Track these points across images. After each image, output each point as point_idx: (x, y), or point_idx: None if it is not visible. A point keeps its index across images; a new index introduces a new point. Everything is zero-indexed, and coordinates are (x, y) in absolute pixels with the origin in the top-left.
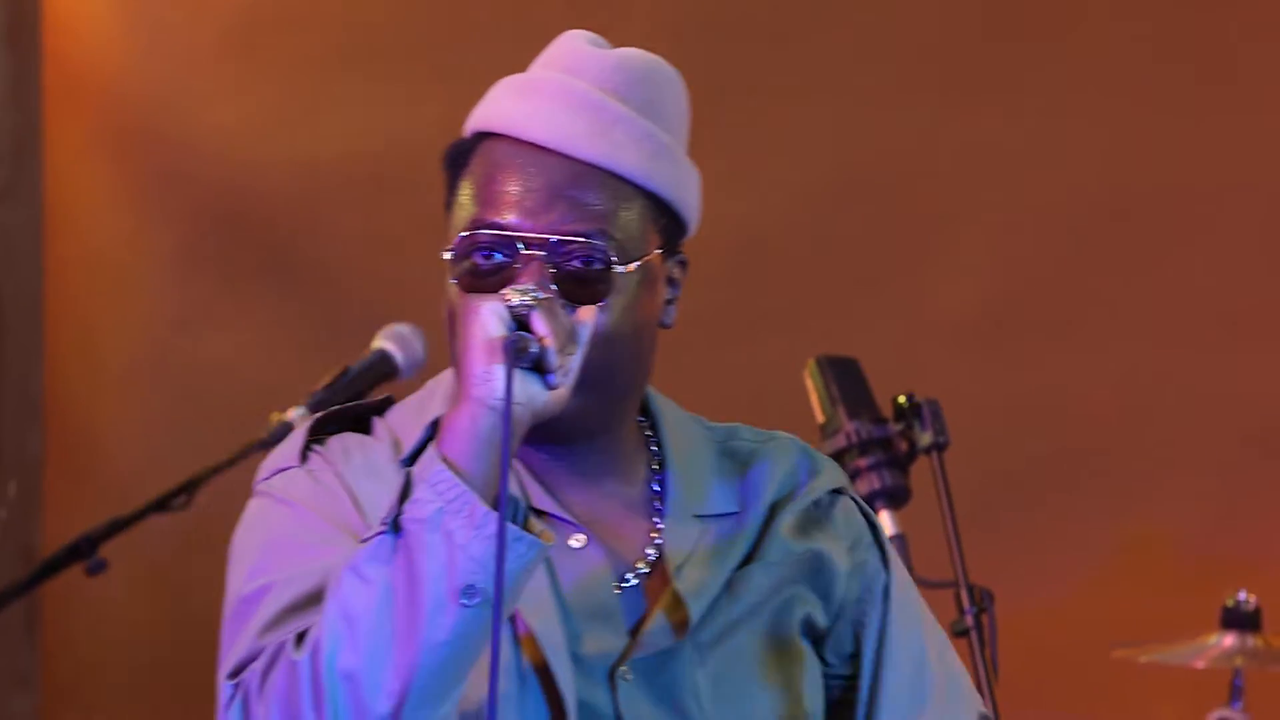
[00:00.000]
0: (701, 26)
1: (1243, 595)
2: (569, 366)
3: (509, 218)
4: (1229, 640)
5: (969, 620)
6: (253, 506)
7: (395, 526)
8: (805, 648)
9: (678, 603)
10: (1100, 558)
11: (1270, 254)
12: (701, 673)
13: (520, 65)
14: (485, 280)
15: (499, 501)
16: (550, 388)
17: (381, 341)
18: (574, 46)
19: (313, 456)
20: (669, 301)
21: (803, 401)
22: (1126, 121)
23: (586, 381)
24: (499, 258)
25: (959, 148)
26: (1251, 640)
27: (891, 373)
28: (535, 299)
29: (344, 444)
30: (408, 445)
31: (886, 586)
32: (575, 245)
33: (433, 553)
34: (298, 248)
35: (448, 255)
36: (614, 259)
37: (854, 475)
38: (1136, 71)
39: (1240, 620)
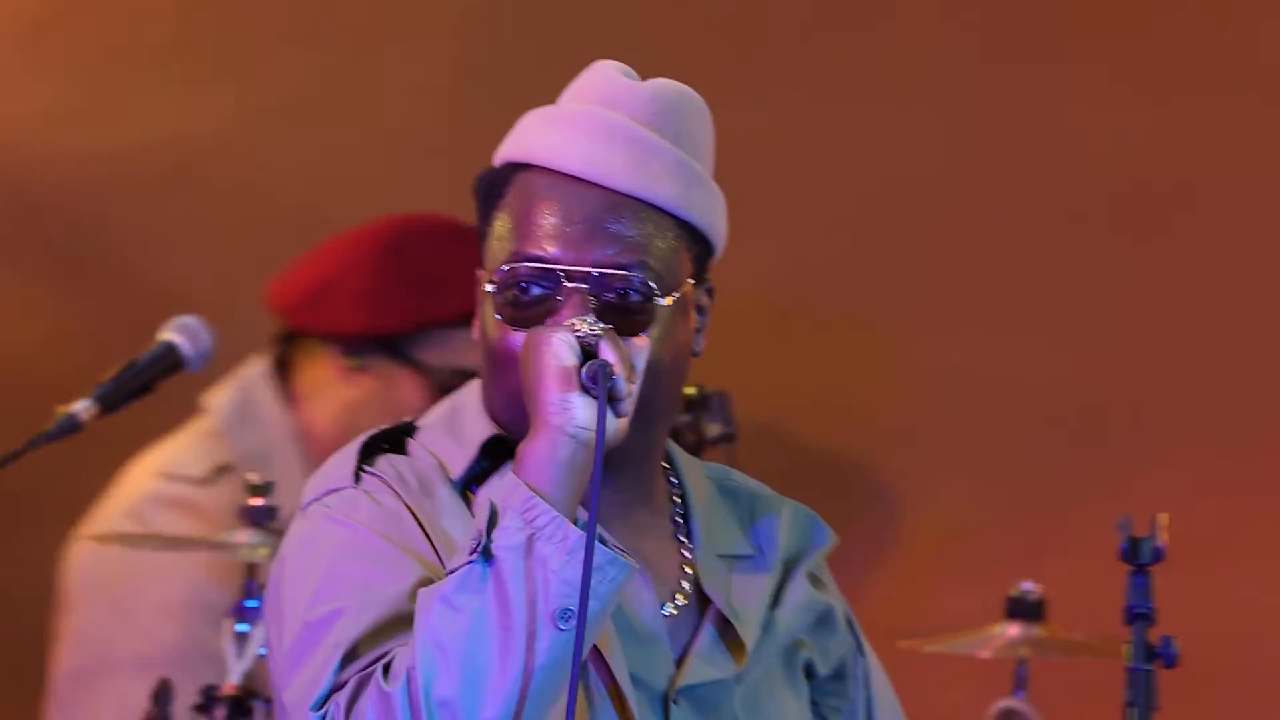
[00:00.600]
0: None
1: (1027, 586)
2: (632, 394)
3: (550, 250)
4: (1013, 630)
5: None
6: (308, 526)
7: (486, 554)
8: (805, 688)
9: (730, 633)
10: (886, 549)
11: (1062, 241)
12: (739, 703)
13: (309, 59)
14: (527, 312)
15: (588, 527)
16: (619, 415)
17: (168, 334)
18: (608, 78)
19: (366, 478)
20: (697, 330)
21: None
22: (922, 110)
23: (633, 412)
24: (539, 290)
25: (753, 136)
26: (1036, 630)
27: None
28: (601, 329)
29: (394, 466)
30: (452, 466)
31: (867, 667)
32: (617, 278)
33: (526, 579)
34: (87, 241)
35: (490, 288)
36: (655, 290)
37: None
38: (936, 60)
39: (1025, 610)
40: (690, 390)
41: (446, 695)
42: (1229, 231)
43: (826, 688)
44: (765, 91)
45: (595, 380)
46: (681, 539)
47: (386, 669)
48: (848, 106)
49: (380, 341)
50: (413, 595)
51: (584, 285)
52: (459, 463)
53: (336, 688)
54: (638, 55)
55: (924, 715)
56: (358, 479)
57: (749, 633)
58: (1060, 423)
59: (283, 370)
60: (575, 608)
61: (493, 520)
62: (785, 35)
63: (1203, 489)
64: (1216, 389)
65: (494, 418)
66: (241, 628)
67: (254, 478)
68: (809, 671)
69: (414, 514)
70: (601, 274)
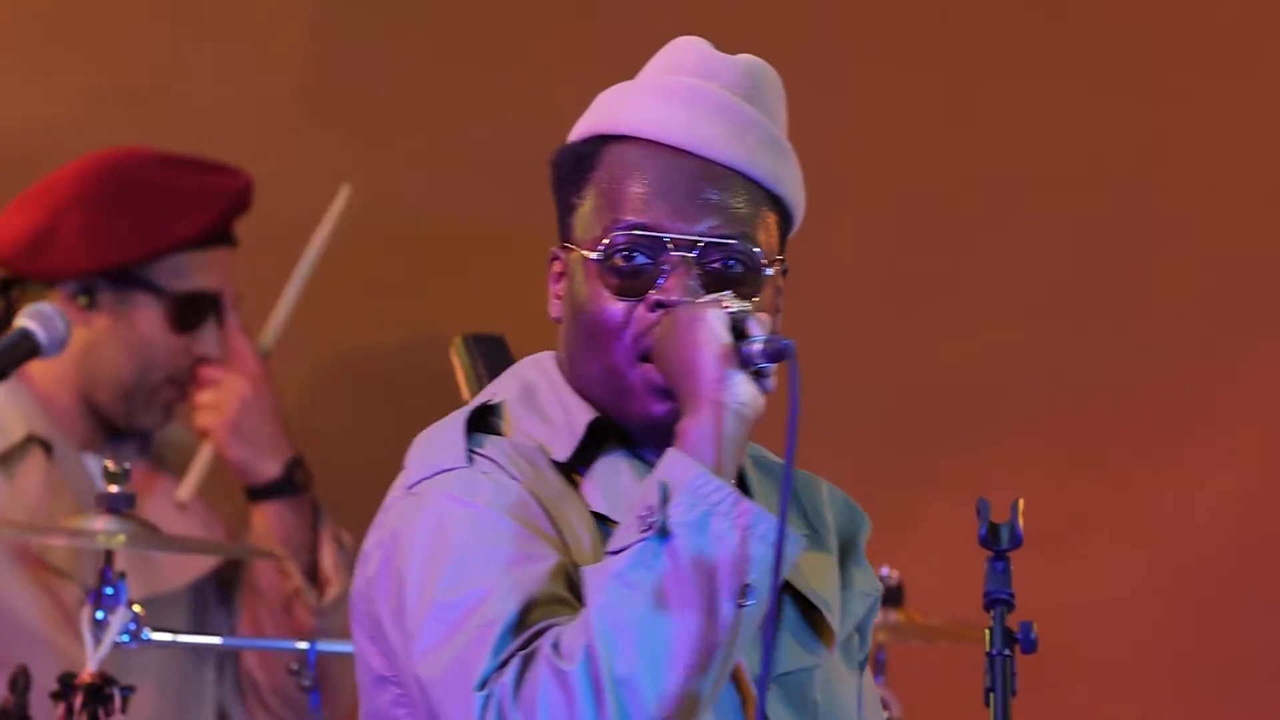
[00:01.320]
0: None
1: (885, 572)
2: (769, 373)
3: (654, 219)
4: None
5: None
6: (426, 505)
7: (662, 532)
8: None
9: (814, 616)
10: None
11: (916, 232)
12: (819, 689)
13: (159, 42)
14: (630, 281)
15: (780, 504)
16: (765, 391)
17: (24, 320)
18: (701, 51)
19: (479, 459)
20: (777, 309)
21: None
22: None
23: None
24: (642, 259)
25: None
26: (894, 616)
27: (538, 348)
28: (747, 307)
29: (499, 446)
30: (553, 448)
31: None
32: (723, 247)
33: (705, 555)
34: None
35: (594, 256)
36: (761, 262)
37: None
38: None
39: (884, 596)
40: None
41: (627, 672)
42: (1079, 220)
43: None
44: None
45: (774, 358)
46: None
47: (556, 648)
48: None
49: (111, 274)
50: (555, 576)
51: (690, 254)
52: (561, 444)
53: (498, 667)
54: (492, 39)
55: None
56: (470, 459)
57: (836, 617)
58: (917, 412)
59: (8, 322)
60: (753, 583)
61: (665, 498)
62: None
63: (1056, 477)
64: (1069, 378)
65: (586, 392)
66: (99, 615)
67: (111, 464)
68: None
69: (533, 493)
70: (709, 243)
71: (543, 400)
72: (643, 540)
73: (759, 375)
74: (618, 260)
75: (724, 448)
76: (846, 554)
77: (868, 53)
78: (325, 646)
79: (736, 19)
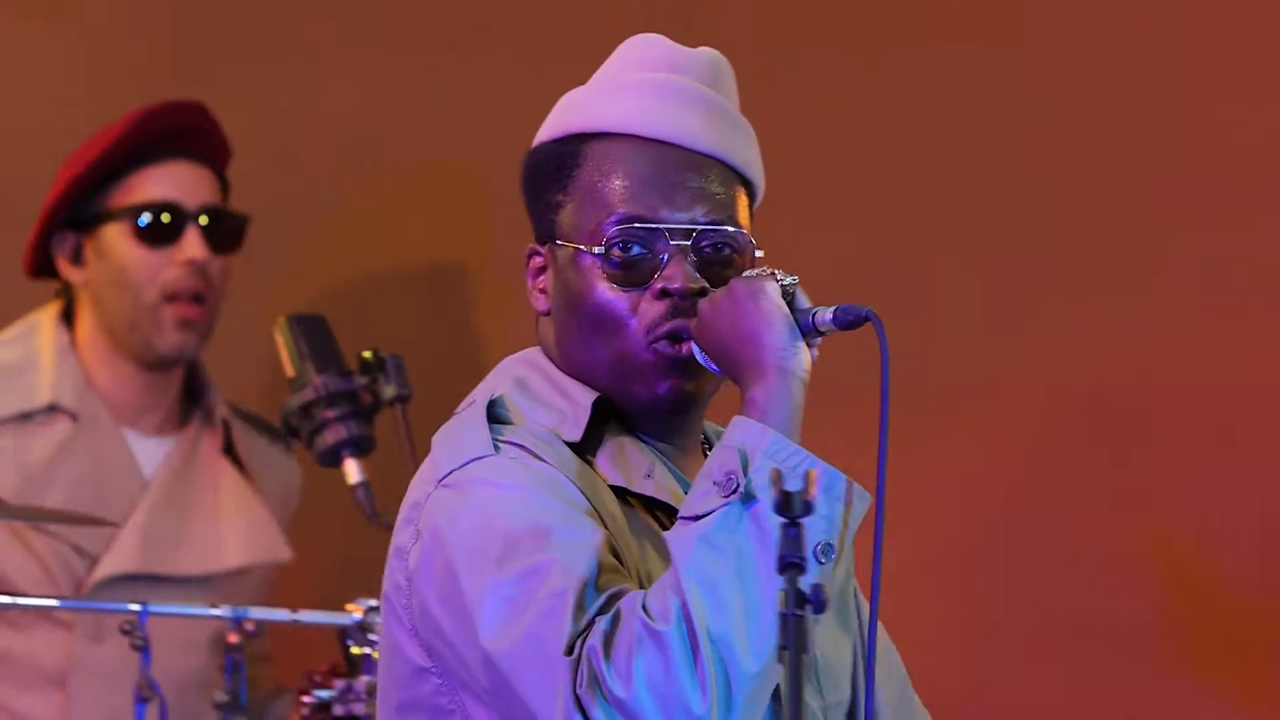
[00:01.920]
0: None
1: None
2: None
3: (652, 211)
4: None
5: None
6: (463, 495)
7: (748, 496)
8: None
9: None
10: None
11: None
12: (816, 637)
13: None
14: (633, 273)
15: (878, 464)
16: (813, 359)
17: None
18: (666, 46)
19: (505, 446)
20: None
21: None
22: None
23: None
24: (637, 250)
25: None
26: None
27: (358, 329)
28: (794, 280)
29: (520, 433)
30: (563, 430)
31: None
32: (715, 234)
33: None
34: None
35: (598, 250)
36: (752, 243)
37: (322, 426)
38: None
39: None
40: (366, 354)
41: (723, 630)
42: (856, 195)
43: None
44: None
45: (850, 326)
46: None
47: (645, 609)
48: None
49: (77, 222)
50: (605, 547)
51: (685, 242)
52: (570, 426)
53: (580, 632)
54: (321, 33)
55: None
56: (496, 448)
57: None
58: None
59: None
60: (834, 541)
61: (745, 464)
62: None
63: (851, 447)
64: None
65: (588, 378)
66: None
67: None
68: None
69: (566, 475)
70: (702, 230)
71: (538, 391)
72: (726, 504)
73: (808, 345)
74: (616, 253)
75: (792, 414)
76: None
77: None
78: (156, 609)
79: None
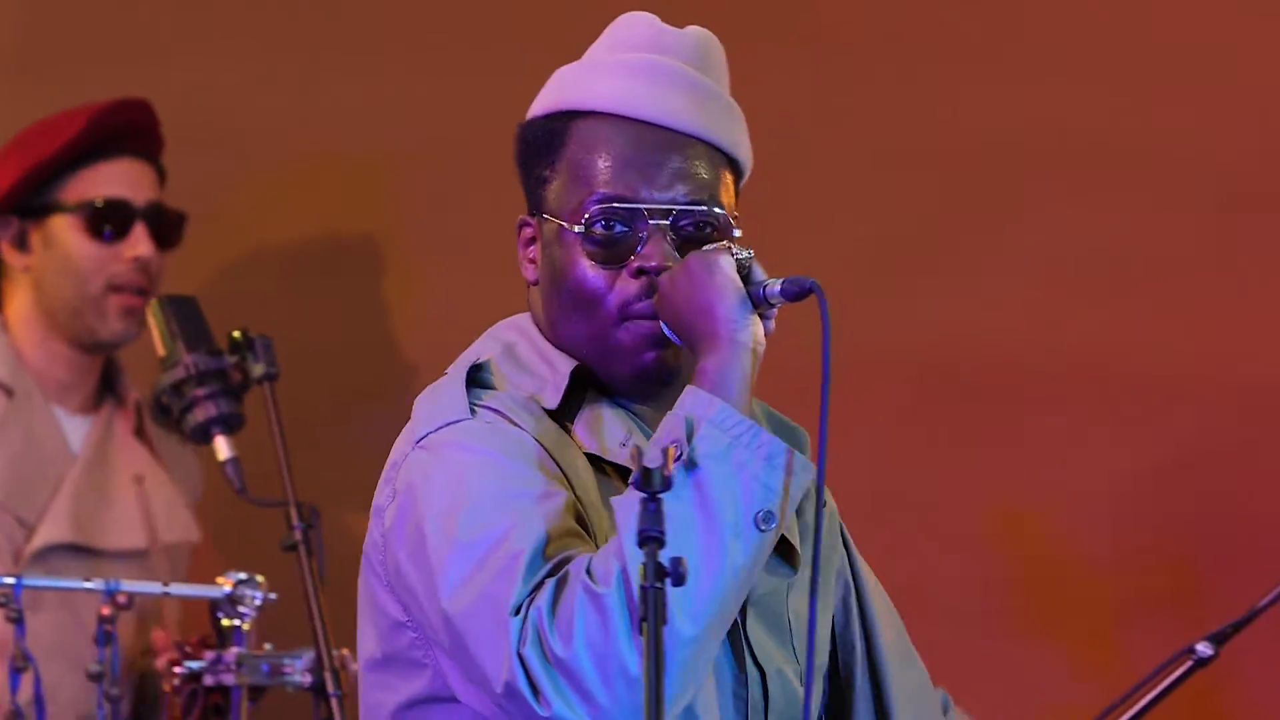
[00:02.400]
0: None
1: None
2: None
3: (630, 190)
4: None
5: (298, 535)
6: (437, 457)
7: (690, 463)
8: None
9: (785, 544)
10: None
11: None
12: (791, 609)
13: None
14: (612, 250)
15: (819, 433)
16: (768, 332)
17: None
18: (654, 27)
19: (481, 410)
20: None
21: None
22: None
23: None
24: (619, 229)
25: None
26: None
27: (227, 309)
28: (750, 254)
29: (499, 398)
30: (544, 397)
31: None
32: (694, 213)
33: (727, 484)
34: None
35: (578, 229)
36: (730, 223)
37: (192, 404)
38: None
39: None
40: (235, 333)
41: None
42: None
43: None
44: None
45: (797, 298)
46: None
47: (589, 572)
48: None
49: (27, 210)
50: (566, 511)
51: (664, 221)
52: (549, 393)
53: (529, 594)
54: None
55: None
56: (473, 412)
57: (794, 535)
58: None
59: None
60: (774, 509)
61: (690, 431)
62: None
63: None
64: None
65: (570, 349)
66: None
67: None
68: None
69: (536, 440)
70: (681, 209)
71: (524, 357)
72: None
73: (763, 317)
74: (597, 231)
75: (742, 384)
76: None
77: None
78: (30, 582)
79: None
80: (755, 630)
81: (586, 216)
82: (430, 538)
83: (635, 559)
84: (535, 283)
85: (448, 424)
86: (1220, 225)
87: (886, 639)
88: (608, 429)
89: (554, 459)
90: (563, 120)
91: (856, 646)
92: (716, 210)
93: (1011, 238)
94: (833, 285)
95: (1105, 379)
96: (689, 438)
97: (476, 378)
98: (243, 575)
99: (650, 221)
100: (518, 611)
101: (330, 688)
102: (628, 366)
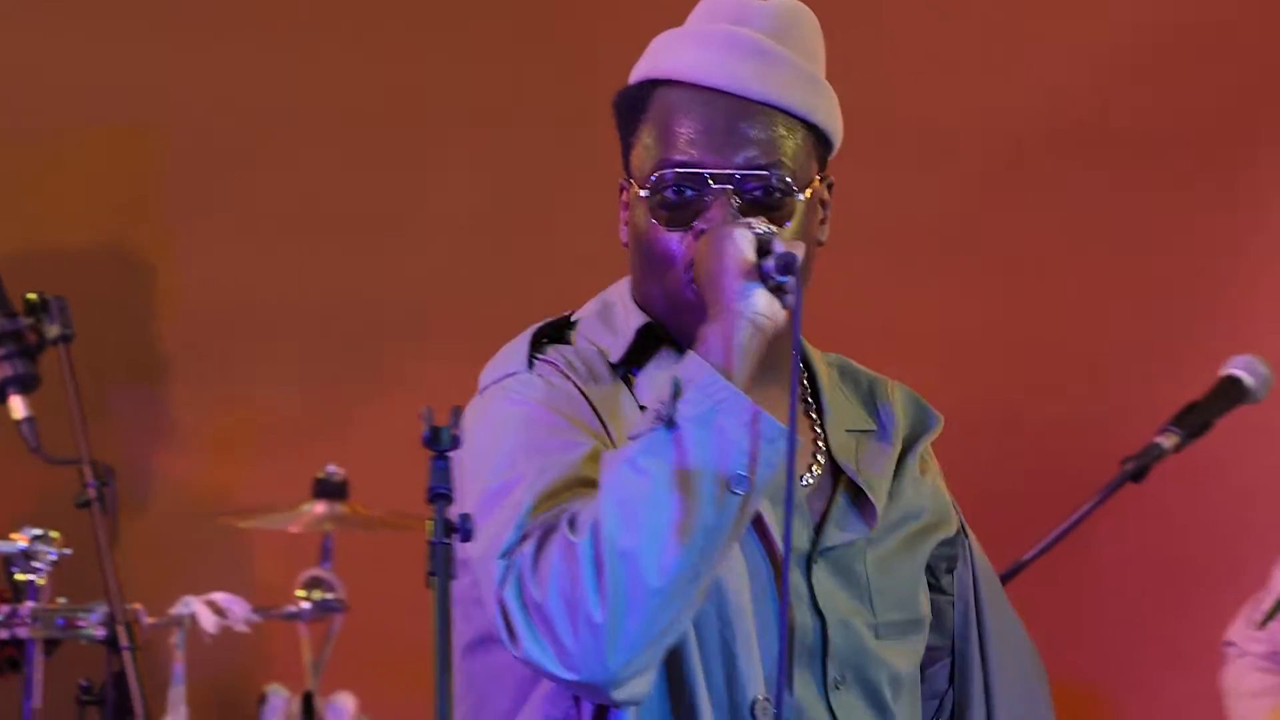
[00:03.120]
0: None
1: (332, 468)
2: (792, 289)
3: (696, 155)
4: (320, 508)
5: (91, 492)
6: (488, 405)
7: (670, 423)
8: (925, 558)
9: (862, 500)
10: (209, 434)
11: (355, 169)
12: (870, 565)
13: None
14: (678, 213)
15: (790, 402)
16: (785, 306)
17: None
18: (736, 0)
19: (539, 364)
20: (822, 221)
21: None
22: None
23: None
24: (689, 193)
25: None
26: (339, 508)
27: (23, 272)
28: (773, 231)
29: (562, 353)
30: (611, 352)
31: (971, 551)
32: (757, 177)
33: (705, 447)
34: None
35: (643, 193)
36: (793, 187)
37: None
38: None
39: (330, 490)
40: (31, 295)
41: (628, 547)
42: (494, 152)
43: (943, 565)
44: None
45: (783, 270)
46: (813, 416)
47: (571, 523)
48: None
49: None
50: (586, 462)
51: (728, 186)
52: (617, 348)
53: (521, 539)
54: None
55: (242, 585)
56: (530, 364)
57: (880, 498)
58: (362, 325)
59: None
60: (747, 473)
61: (676, 393)
62: None
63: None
64: (486, 291)
65: (648, 308)
66: None
67: None
68: (938, 545)
69: (584, 394)
70: (744, 175)
71: (616, 314)
72: (654, 430)
73: (780, 290)
74: (667, 195)
75: (735, 352)
76: (909, 448)
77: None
78: None
79: None
80: (822, 580)
81: (655, 180)
82: (468, 481)
83: (606, 510)
84: (626, 244)
85: (506, 375)
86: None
87: (998, 684)
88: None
89: (599, 412)
90: (646, 89)
91: (973, 679)
92: (781, 175)
93: None
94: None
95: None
96: (674, 398)
97: (561, 332)
98: (37, 531)
99: (715, 186)
100: (505, 555)
101: (123, 641)
102: (694, 325)
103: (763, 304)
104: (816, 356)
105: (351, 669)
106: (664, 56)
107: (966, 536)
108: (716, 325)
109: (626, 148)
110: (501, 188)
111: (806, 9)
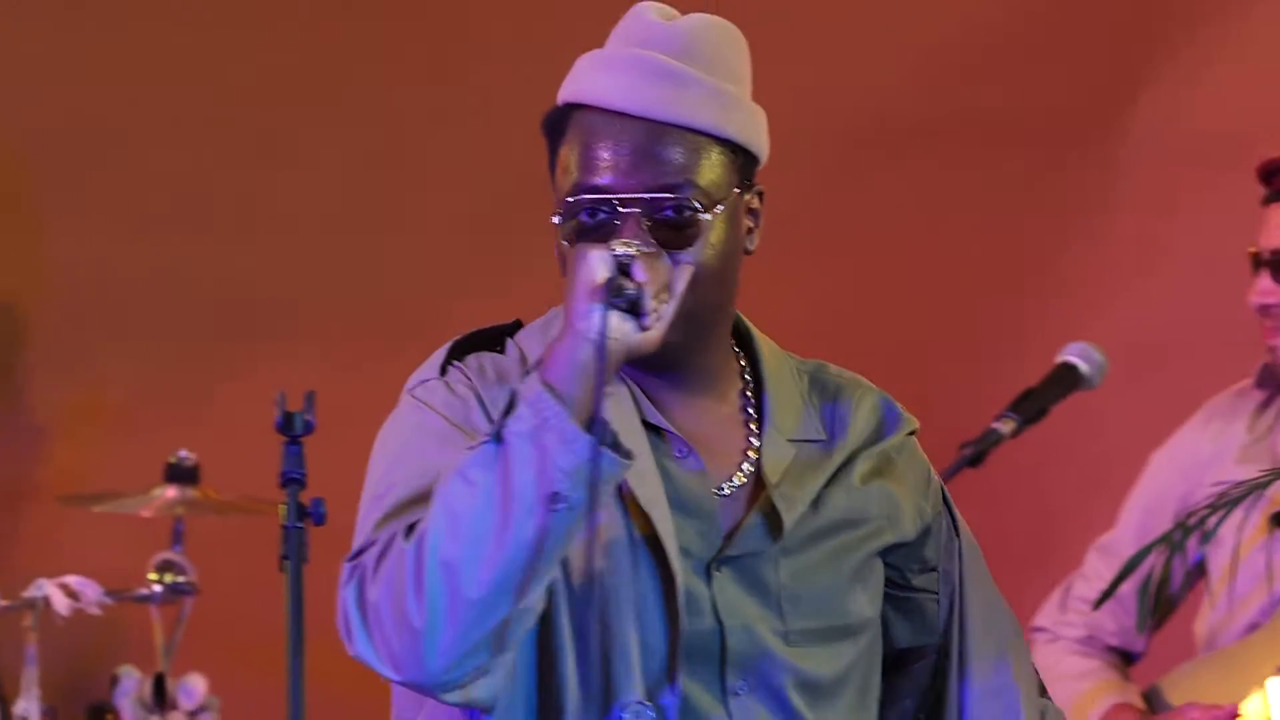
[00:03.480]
0: None
1: (183, 453)
2: (663, 313)
3: (605, 180)
4: (171, 492)
5: None
6: (395, 413)
7: (498, 438)
8: (876, 562)
9: (773, 512)
10: (61, 418)
11: (211, 161)
12: (783, 573)
13: None
14: (590, 236)
15: (592, 423)
16: (643, 329)
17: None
18: (644, 21)
19: (452, 370)
20: (750, 230)
21: None
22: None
23: (683, 316)
24: (601, 216)
25: None
26: (191, 492)
27: None
28: (639, 251)
29: (480, 360)
30: (534, 359)
31: (960, 547)
32: (665, 200)
33: (527, 463)
34: None
35: (556, 219)
36: (700, 206)
37: None
38: None
39: (181, 475)
40: None
41: (448, 557)
42: (361, 147)
43: (912, 565)
44: None
45: (615, 295)
46: (751, 426)
47: (409, 530)
48: None
49: None
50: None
51: (637, 209)
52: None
53: (370, 544)
54: None
55: (95, 568)
56: (443, 372)
57: (791, 510)
58: (214, 313)
59: None
60: (565, 492)
61: (510, 408)
62: None
63: (340, 369)
64: (350, 283)
65: None
66: None
67: None
68: (885, 551)
69: (481, 400)
70: (652, 197)
71: (555, 325)
72: (484, 443)
73: (636, 313)
74: (582, 219)
75: (572, 372)
76: (855, 455)
77: None
78: None
79: None
80: (725, 588)
81: (570, 205)
82: (366, 489)
83: (434, 519)
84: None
85: (420, 382)
86: None
87: (976, 674)
88: None
89: (492, 416)
90: (565, 112)
91: (952, 663)
92: (689, 197)
93: None
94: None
95: None
96: (506, 413)
97: (501, 340)
98: None
99: (622, 209)
100: (353, 559)
101: None
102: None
103: (611, 325)
104: (773, 366)
105: (203, 651)
106: (580, 80)
107: (958, 534)
108: (562, 344)
109: (552, 169)
110: (358, 184)
111: (722, 24)
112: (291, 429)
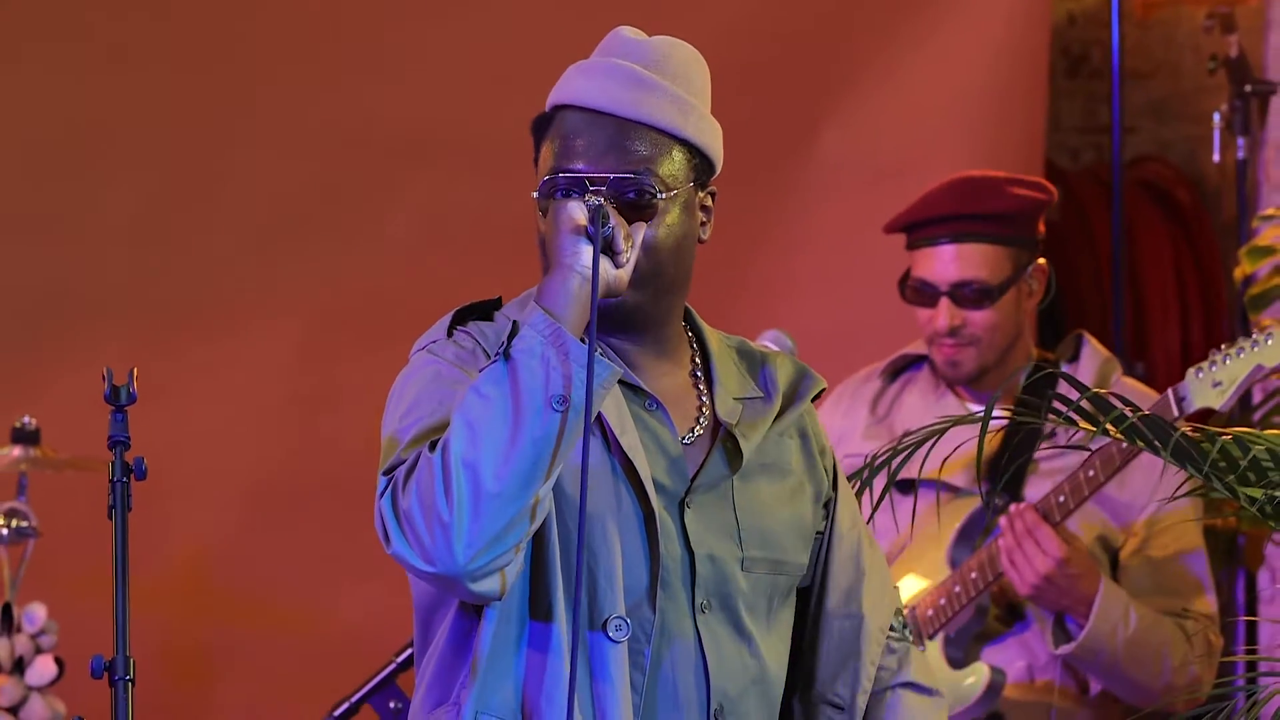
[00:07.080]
0: None
1: (27, 419)
2: (629, 256)
3: (578, 164)
4: (16, 452)
5: None
6: (410, 365)
7: (506, 356)
8: (807, 512)
9: (733, 443)
10: None
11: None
12: (739, 502)
13: None
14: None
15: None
16: (618, 265)
17: None
18: (621, 38)
19: (458, 333)
20: (703, 223)
21: None
22: None
23: (643, 279)
24: (574, 195)
25: None
26: (33, 451)
27: None
28: (607, 199)
29: (480, 327)
30: (520, 324)
31: (836, 477)
32: (627, 181)
33: (533, 373)
34: None
35: (535, 195)
36: (655, 190)
37: None
38: None
39: (25, 437)
40: None
41: (470, 459)
42: (154, 154)
43: (819, 513)
44: None
45: (594, 221)
46: (701, 387)
47: (433, 445)
48: None
49: None
50: None
51: (603, 189)
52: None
53: (401, 461)
54: None
55: None
56: (450, 334)
57: (749, 442)
58: (54, 302)
59: None
60: (568, 394)
61: (513, 332)
62: None
63: (152, 349)
64: (156, 277)
65: None
66: None
67: None
68: (817, 495)
69: (486, 353)
70: (617, 177)
71: (531, 300)
72: (494, 361)
73: (612, 253)
74: (556, 197)
75: (565, 299)
76: (786, 407)
77: None
78: None
79: None
80: (693, 521)
81: (546, 184)
82: (384, 428)
83: (456, 429)
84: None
85: (431, 341)
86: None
87: (831, 599)
88: None
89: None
90: (548, 115)
91: (814, 588)
92: (647, 181)
93: (381, 205)
94: (242, 237)
95: None
96: (511, 336)
97: (489, 312)
98: None
99: (592, 188)
100: (387, 472)
101: None
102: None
103: (590, 259)
104: (713, 337)
105: (44, 585)
106: (563, 85)
107: (836, 487)
108: (553, 276)
109: (536, 162)
110: (161, 188)
111: (688, 48)
112: (117, 399)
